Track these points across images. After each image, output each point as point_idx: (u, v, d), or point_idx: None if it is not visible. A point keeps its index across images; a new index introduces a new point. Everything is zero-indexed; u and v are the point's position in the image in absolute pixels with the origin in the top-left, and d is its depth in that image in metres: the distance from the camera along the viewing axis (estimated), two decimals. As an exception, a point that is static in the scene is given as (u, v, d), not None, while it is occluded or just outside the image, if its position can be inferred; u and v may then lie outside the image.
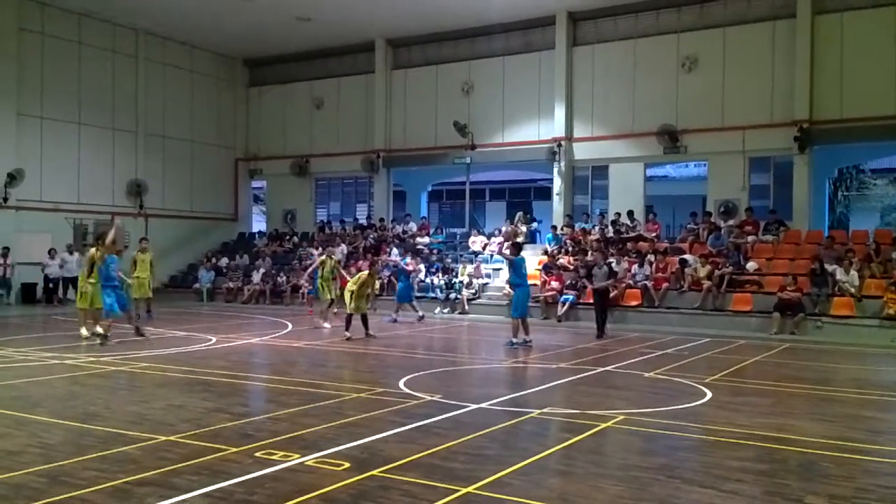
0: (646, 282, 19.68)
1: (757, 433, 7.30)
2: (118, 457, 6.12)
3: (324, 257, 18.44)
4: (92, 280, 14.16)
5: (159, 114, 27.33)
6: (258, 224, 32.19)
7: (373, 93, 27.60)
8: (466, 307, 21.48)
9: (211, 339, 14.46)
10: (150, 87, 26.98)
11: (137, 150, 26.63)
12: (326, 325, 17.06)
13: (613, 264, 19.80)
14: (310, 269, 19.50)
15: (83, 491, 5.23)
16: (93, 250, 14.46)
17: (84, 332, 14.13)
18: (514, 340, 14.01)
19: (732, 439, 7.09)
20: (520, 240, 19.19)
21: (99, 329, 13.73)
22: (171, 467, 5.79)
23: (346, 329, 14.93)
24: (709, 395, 9.38)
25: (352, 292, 15.04)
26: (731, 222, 21.33)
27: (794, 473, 6.16)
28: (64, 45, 24.30)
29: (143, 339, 14.06)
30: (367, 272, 15.49)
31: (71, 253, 22.81)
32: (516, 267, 14.44)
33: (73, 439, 6.68)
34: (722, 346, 14.88)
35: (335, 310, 17.90)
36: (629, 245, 21.50)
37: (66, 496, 5.14)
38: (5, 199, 22.22)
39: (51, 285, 22.68)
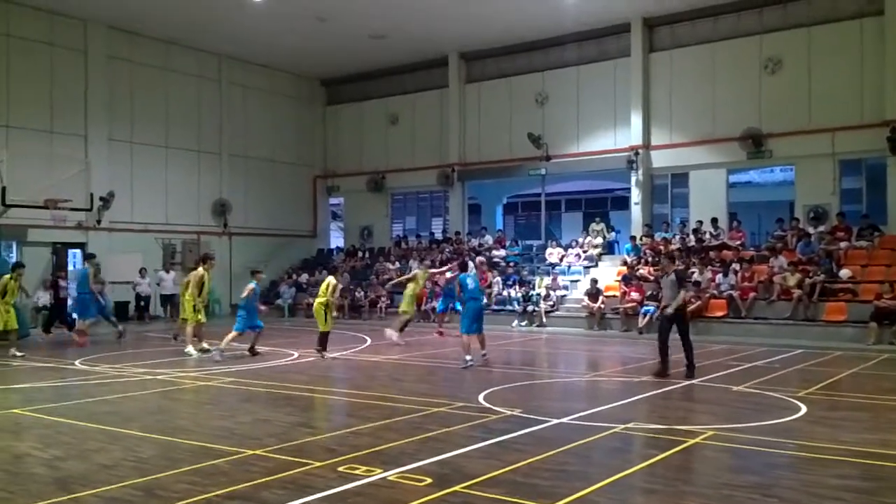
0: (731, 291, 19.07)
1: (857, 449, 6.93)
2: (208, 470, 6.26)
3: (418, 271, 18.56)
4: (200, 298, 14.99)
5: (241, 135, 28.21)
6: (336, 240, 32.76)
7: (447, 107, 27.78)
8: (544, 319, 21.27)
9: (293, 355, 14.73)
10: (233, 110, 27.90)
11: (221, 171, 27.54)
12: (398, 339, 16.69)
13: (694, 274, 19.26)
14: (397, 280, 19.94)
15: (175, 504, 5.37)
16: (201, 270, 15.09)
17: (191, 349, 14.60)
18: (468, 359, 12.67)
19: (831, 456, 6.74)
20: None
21: (204, 344, 14.56)
22: (259, 481, 5.89)
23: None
24: (803, 409, 8.96)
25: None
26: (821, 228, 20.48)
27: (901, 494, 5.80)
28: (151, 71, 25.39)
29: (252, 357, 14.28)
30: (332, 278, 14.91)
31: (167, 272, 23.72)
32: (462, 285, 13.52)
33: (165, 453, 6.88)
34: (815, 357, 14.24)
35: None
36: (712, 254, 20.89)
37: (158, 509, 5.29)
38: (98, 222, 23.27)
39: (142, 303, 23.59)
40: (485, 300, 14.28)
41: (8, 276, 14.97)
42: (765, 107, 21.89)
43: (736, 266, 19.73)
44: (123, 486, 5.81)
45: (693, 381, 11.20)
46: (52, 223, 20.85)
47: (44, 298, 21.26)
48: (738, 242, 21.24)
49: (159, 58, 25.64)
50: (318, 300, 14.49)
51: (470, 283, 13.36)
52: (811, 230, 20.51)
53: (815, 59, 21.24)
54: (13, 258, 21.52)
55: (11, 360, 13.91)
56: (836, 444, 7.18)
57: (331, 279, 14.66)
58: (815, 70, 21.25)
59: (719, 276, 19.64)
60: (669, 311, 11.56)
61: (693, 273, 19.15)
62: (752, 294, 18.82)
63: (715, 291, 19.39)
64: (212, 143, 27.29)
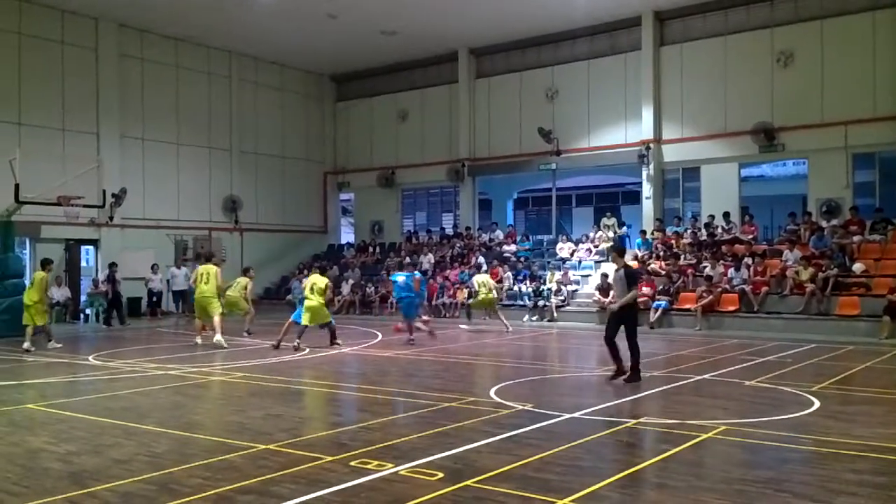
0: (743, 286, 18.98)
1: (872, 444, 6.88)
2: (221, 465, 6.29)
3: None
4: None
5: (252, 131, 28.28)
6: (347, 236, 32.82)
7: (457, 102, 27.75)
8: (555, 314, 21.24)
9: (304, 350, 14.77)
10: (243, 106, 27.97)
11: (232, 167, 27.63)
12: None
13: (707, 268, 19.19)
14: None
15: (189, 498, 5.40)
16: (213, 267, 16.03)
17: (219, 338, 15.10)
18: (410, 338, 15.81)
19: (845, 451, 6.70)
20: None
21: (218, 335, 15.07)
22: (271, 475, 5.91)
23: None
24: (817, 403, 8.91)
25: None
26: (834, 222, 20.35)
27: (916, 488, 5.76)
28: (162, 68, 25.48)
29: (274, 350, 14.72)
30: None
31: (179, 267, 23.84)
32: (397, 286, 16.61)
33: (179, 448, 6.92)
34: (828, 352, 14.15)
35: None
36: (724, 248, 20.79)
37: (173, 503, 5.31)
38: (111, 218, 23.39)
39: (154, 299, 23.71)
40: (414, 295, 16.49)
41: (42, 272, 15.75)
42: (777, 100, 21.75)
43: (748, 260, 19.62)
44: (137, 480, 5.85)
45: (704, 377, 11.15)
46: (65, 220, 20.98)
47: (58, 294, 21.41)
48: (751, 236, 21.12)
49: (170, 55, 25.72)
50: (315, 301, 14.88)
51: (398, 284, 16.40)
52: (824, 224, 20.37)
53: (828, 53, 21.09)
54: (26, 255, 21.71)
55: (48, 352, 14.69)
56: (850, 438, 7.13)
57: (318, 278, 15.28)
58: (827, 63, 21.09)
59: (731, 271, 19.56)
60: (614, 307, 10.88)
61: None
62: (764, 288, 18.73)
63: (727, 286, 19.30)
64: (222, 139, 27.37)
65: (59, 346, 15.33)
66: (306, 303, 14.96)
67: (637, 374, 10.63)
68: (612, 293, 11.40)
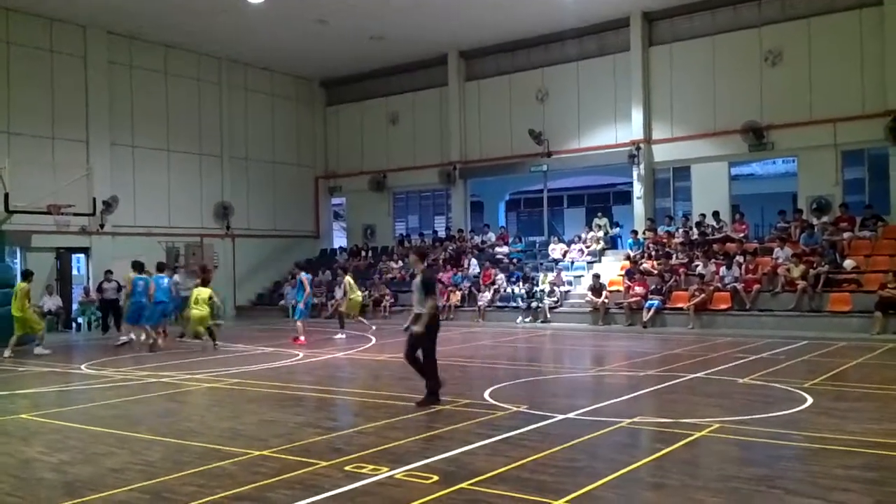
0: (735, 284, 19.05)
1: (865, 440, 6.92)
2: (215, 472, 6.28)
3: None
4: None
5: (242, 137, 28.22)
6: (339, 240, 32.78)
7: (447, 105, 27.76)
8: (548, 315, 21.26)
9: (298, 355, 14.75)
10: (233, 112, 27.91)
11: (223, 174, 27.55)
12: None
13: (699, 267, 19.27)
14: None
15: (182, 506, 5.39)
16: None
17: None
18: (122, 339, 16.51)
19: (838, 447, 6.73)
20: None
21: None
22: (266, 482, 5.90)
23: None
24: (809, 400, 8.95)
25: None
26: (824, 219, 20.44)
27: (909, 483, 5.79)
28: (152, 75, 25.40)
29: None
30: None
31: (171, 275, 23.61)
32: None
33: (172, 455, 6.90)
34: (820, 348, 14.21)
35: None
36: (716, 247, 20.87)
37: (166, 511, 5.30)
38: (102, 226, 23.30)
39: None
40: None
41: (24, 283, 16.07)
42: (766, 99, 21.84)
43: (740, 258, 19.69)
44: (131, 489, 5.83)
45: (698, 375, 11.18)
46: (56, 228, 20.91)
47: (49, 303, 21.29)
48: (742, 235, 21.20)
49: (159, 62, 25.65)
50: (203, 310, 16.02)
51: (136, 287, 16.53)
52: (814, 221, 20.47)
53: (816, 51, 21.18)
54: (17, 264, 21.59)
55: (38, 358, 15.01)
56: (843, 434, 7.17)
57: (202, 290, 16.37)
58: (815, 61, 21.18)
59: (723, 269, 19.62)
60: (418, 329, 8.98)
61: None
62: (756, 286, 18.79)
63: (719, 284, 19.37)
64: (213, 145, 27.30)
65: (48, 352, 15.59)
66: (195, 312, 16.08)
67: (433, 397, 9.00)
68: (414, 302, 9.34)
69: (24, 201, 19.85)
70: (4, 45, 21.73)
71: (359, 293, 19.52)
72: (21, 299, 15.51)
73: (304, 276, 17.71)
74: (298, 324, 17.37)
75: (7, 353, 15.19)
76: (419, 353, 9.10)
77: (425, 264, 9.88)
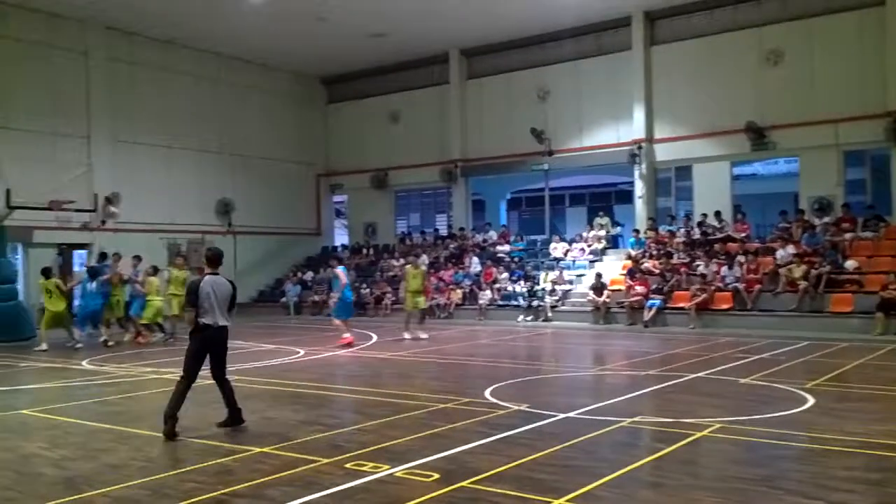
0: (736, 284, 19.03)
1: (866, 440, 6.91)
2: (215, 469, 6.28)
3: (408, 267, 18.48)
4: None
5: (243, 134, 28.16)
6: (341, 238, 32.77)
7: (448, 103, 27.73)
8: (549, 314, 21.24)
9: (299, 352, 14.75)
10: (234, 109, 27.86)
11: (224, 171, 27.51)
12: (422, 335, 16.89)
13: (700, 267, 19.25)
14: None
15: (184, 503, 5.38)
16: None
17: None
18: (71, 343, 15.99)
19: (840, 447, 6.72)
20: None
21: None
22: (265, 479, 5.89)
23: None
24: (811, 400, 8.94)
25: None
26: (826, 220, 20.42)
27: (910, 484, 5.78)
28: (152, 72, 25.34)
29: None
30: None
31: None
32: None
33: (172, 452, 6.91)
34: (822, 349, 14.20)
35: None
36: (717, 246, 20.85)
37: (166, 508, 5.30)
38: (103, 222, 23.27)
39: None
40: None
41: (51, 279, 16.47)
42: (767, 98, 21.81)
43: (741, 258, 19.67)
44: (131, 485, 5.83)
45: (699, 375, 11.16)
46: (57, 225, 20.91)
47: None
48: (743, 235, 21.18)
49: (159, 58, 25.59)
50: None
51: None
52: (816, 221, 20.45)
53: (817, 51, 21.16)
54: (18, 259, 21.60)
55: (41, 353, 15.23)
56: (844, 435, 7.16)
57: (338, 269, 16.41)
58: (817, 61, 21.16)
59: (724, 269, 19.60)
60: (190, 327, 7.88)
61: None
62: (757, 286, 18.78)
63: (720, 284, 19.36)
64: (214, 142, 27.26)
65: (45, 350, 15.71)
66: (156, 301, 16.86)
67: (234, 416, 8.00)
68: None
69: (26, 197, 19.85)
70: (3, 41, 21.67)
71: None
72: (58, 293, 16.10)
73: (339, 270, 16.66)
74: (336, 322, 16.24)
75: (44, 345, 15.71)
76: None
77: (216, 268, 8.12)
